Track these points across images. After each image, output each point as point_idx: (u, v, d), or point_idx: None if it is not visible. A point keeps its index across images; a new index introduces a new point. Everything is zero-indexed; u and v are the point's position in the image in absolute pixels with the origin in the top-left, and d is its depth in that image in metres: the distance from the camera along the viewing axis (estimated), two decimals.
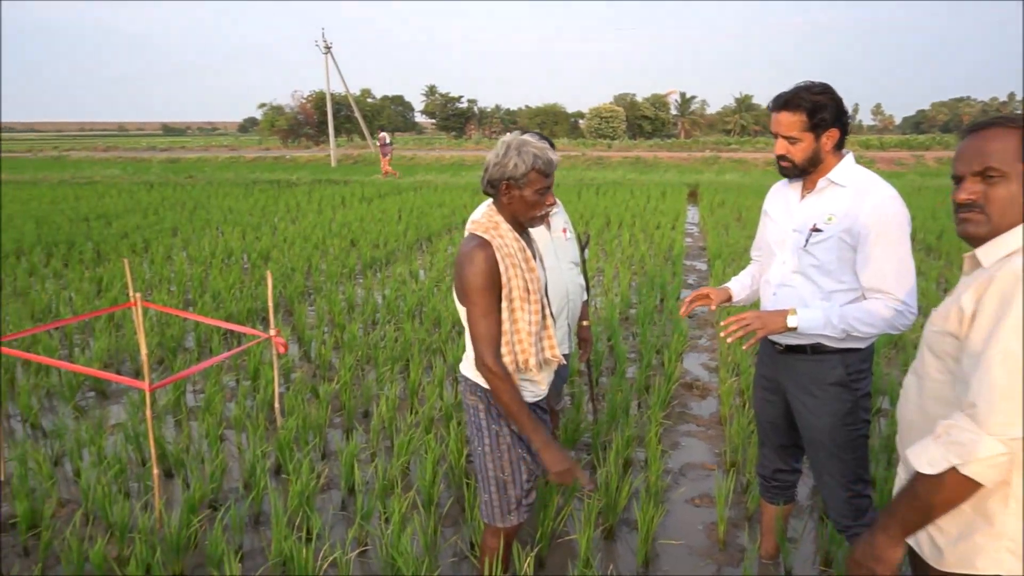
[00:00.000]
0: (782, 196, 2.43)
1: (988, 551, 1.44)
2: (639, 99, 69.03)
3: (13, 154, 46.70)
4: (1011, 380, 1.30)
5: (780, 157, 2.26)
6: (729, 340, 2.17)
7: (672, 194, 16.80)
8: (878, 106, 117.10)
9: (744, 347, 2.38)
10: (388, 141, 22.59)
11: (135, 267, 8.41)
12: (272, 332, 3.95)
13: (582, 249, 3.94)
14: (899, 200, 2.17)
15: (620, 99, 68.56)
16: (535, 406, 2.31)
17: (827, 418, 2.30)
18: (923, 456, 1.41)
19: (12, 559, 2.98)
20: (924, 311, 6.44)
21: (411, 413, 4.30)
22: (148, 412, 3.15)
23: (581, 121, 67.19)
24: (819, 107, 2.15)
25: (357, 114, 43.11)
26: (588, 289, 3.68)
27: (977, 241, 1.52)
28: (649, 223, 12.02)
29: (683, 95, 74.69)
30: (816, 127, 2.17)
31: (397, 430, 4.07)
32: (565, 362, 2.98)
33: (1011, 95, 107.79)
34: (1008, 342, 1.31)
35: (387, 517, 3.18)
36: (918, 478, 1.42)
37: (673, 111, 73.00)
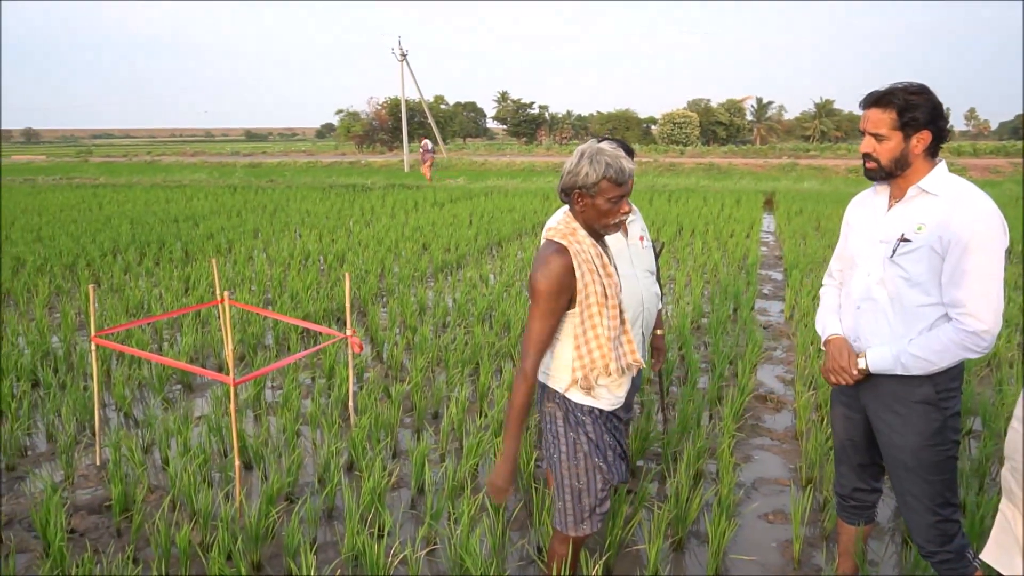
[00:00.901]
0: (868, 205, 2.34)
1: None
2: (714, 104, 67.71)
3: (111, 159, 49.71)
4: None
5: (865, 156, 2.19)
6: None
7: (747, 202, 16.40)
8: (972, 110, 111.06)
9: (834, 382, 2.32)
10: (431, 148, 23.07)
11: (220, 267, 8.79)
12: (348, 332, 4.06)
13: (657, 256, 3.90)
14: (997, 213, 2.05)
15: (694, 104, 67.43)
16: (612, 415, 2.29)
17: (913, 437, 2.19)
18: None
19: (107, 539, 3.16)
20: (1021, 328, 6.07)
21: (480, 416, 4.34)
22: (232, 406, 3.29)
23: (654, 127, 66.36)
24: (911, 106, 2.07)
25: (430, 120, 43.85)
26: (662, 297, 3.64)
27: None
28: (723, 231, 11.76)
29: (759, 100, 72.81)
30: (906, 126, 2.09)
31: (466, 432, 4.12)
32: (644, 367, 2.95)
33: None
34: None
35: (456, 518, 3.21)
36: None
37: (749, 116, 71.28)
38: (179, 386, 5.10)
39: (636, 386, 3.55)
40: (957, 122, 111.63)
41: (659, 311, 3.44)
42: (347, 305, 4.17)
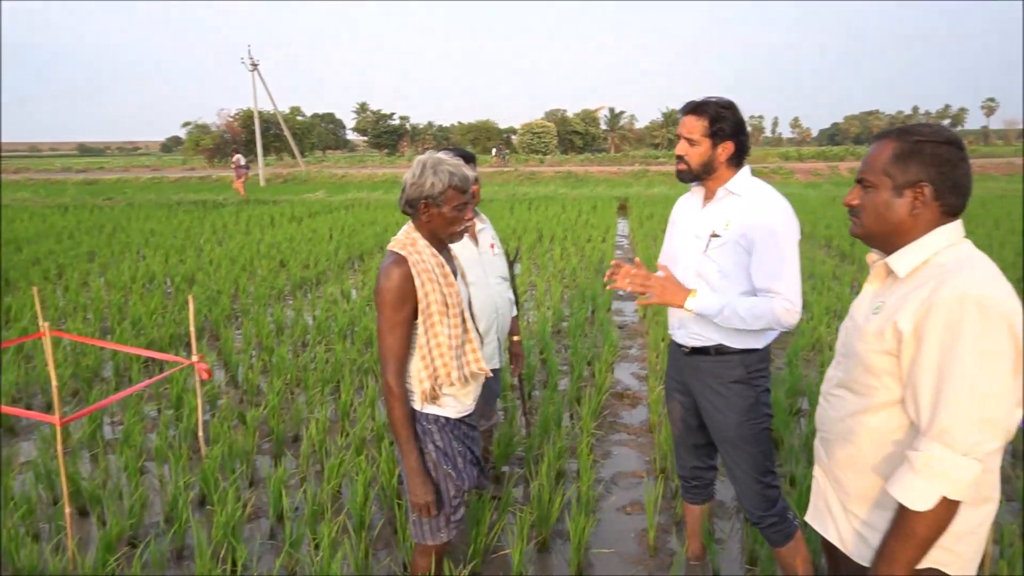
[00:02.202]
0: (687, 204, 2.59)
1: None
2: (570, 114, 70.21)
3: None
4: (978, 404, 1.38)
5: (679, 158, 2.42)
6: (631, 289, 2.31)
7: (603, 208, 17.13)
8: (796, 119, 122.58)
9: (637, 303, 2.46)
10: (244, 163, 21.98)
11: (47, 295, 8.00)
12: (195, 358, 3.83)
13: (511, 264, 3.98)
14: (789, 209, 2.34)
15: (551, 115, 69.63)
16: (461, 422, 2.31)
17: (732, 414, 2.44)
18: (911, 493, 1.42)
19: None
20: (840, 315, 6.75)
21: (342, 435, 4.23)
22: (59, 447, 3.00)
23: (513, 137, 67.79)
24: (720, 117, 2.32)
25: (286, 132, 42.33)
26: (519, 304, 3.72)
27: (865, 241, 1.63)
28: (580, 236, 12.21)
29: (612, 110, 76.36)
30: (715, 135, 2.33)
31: (328, 453, 4.00)
32: (492, 375, 3.00)
33: (915, 108, 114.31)
34: (968, 370, 1.37)
35: (317, 543, 3.11)
36: (911, 515, 1.43)
37: (603, 126, 74.52)
38: None
39: (496, 393, 3.61)
40: (784, 130, 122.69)
41: (514, 317, 3.51)
42: (192, 330, 3.93)
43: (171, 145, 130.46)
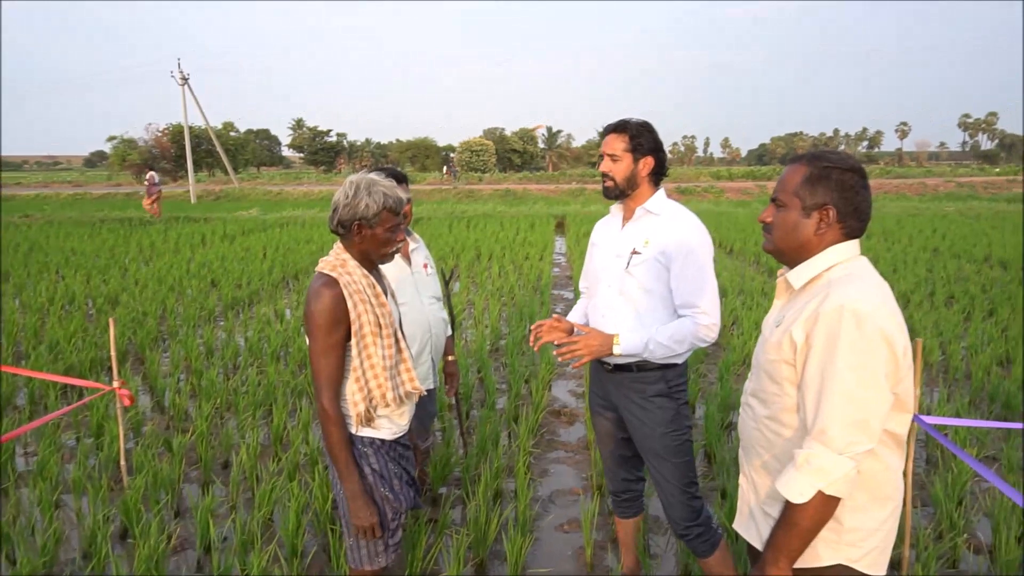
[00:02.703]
0: (607, 226, 2.70)
1: (831, 544, 1.62)
2: (508, 133, 70.79)
3: None
4: (852, 407, 1.50)
5: (604, 176, 2.53)
6: (561, 359, 2.41)
7: (540, 225, 17.29)
8: (726, 140, 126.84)
9: (572, 367, 2.54)
10: (157, 181, 21.33)
11: None
12: (116, 384, 3.67)
13: (446, 283, 3.98)
14: (703, 228, 2.49)
15: (489, 133, 70.04)
16: (396, 443, 2.29)
17: (657, 427, 2.52)
18: (793, 487, 1.54)
19: None
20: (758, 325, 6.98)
21: (274, 460, 4.12)
22: None
23: (452, 154, 67.88)
24: (639, 134, 2.47)
25: (219, 148, 41.24)
26: (453, 323, 3.71)
27: (775, 256, 1.75)
28: (518, 254, 12.29)
29: (549, 129, 77.42)
30: (635, 150, 2.46)
31: (259, 479, 3.88)
32: (426, 394, 2.98)
33: (836, 130, 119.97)
34: (844, 376, 1.50)
35: (247, 574, 3.01)
36: (794, 508, 1.55)
37: (541, 144, 75.40)
38: None
39: (432, 414, 3.58)
40: (715, 150, 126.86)
41: (449, 337, 3.50)
42: (113, 353, 3.77)
43: (95, 160, 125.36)
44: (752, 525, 1.80)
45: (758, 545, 1.77)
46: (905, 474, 3.00)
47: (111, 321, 3.87)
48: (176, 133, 52.66)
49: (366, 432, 2.18)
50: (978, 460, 4.09)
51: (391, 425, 2.23)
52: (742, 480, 1.87)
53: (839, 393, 1.50)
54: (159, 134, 56.84)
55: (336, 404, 2.11)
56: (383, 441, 2.22)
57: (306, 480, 3.82)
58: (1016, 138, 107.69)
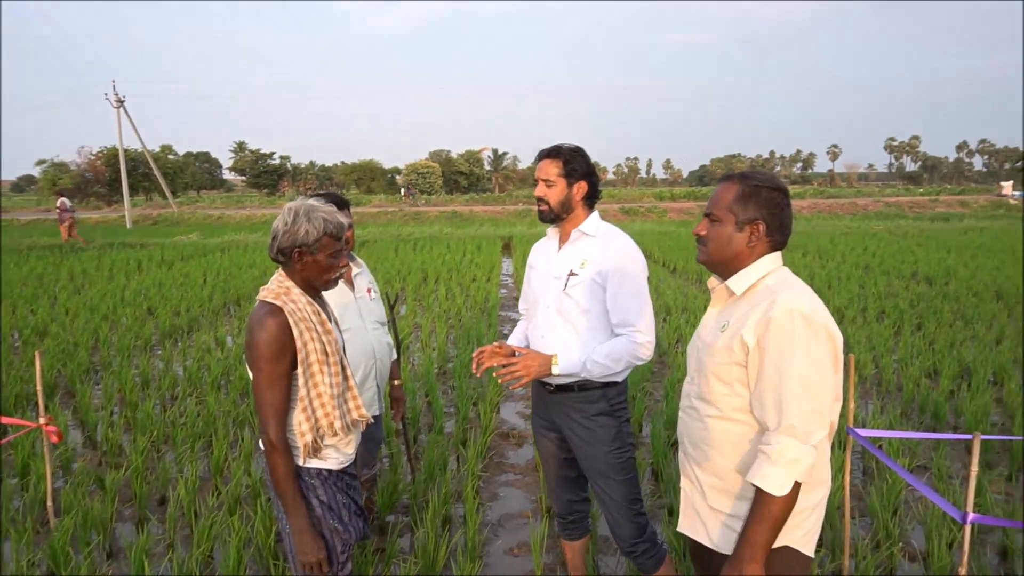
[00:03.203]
0: (543, 249, 2.74)
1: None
2: (454, 155, 71.03)
3: None
4: (811, 400, 1.64)
5: (539, 200, 2.58)
6: (501, 381, 2.42)
7: (487, 247, 17.34)
8: (668, 161, 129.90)
9: (512, 387, 2.56)
10: (68, 207, 20.70)
11: None
12: (42, 420, 3.50)
13: (391, 307, 3.94)
14: (637, 248, 2.56)
15: (436, 155, 70.16)
16: (343, 472, 2.24)
17: (600, 446, 2.55)
18: (772, 481, 1.62)
19: None
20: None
21: (214, 495, 3.98)
22: None
23: (398, 177, 67.66)
24: (572, 159, 2.53)
25: (156, 171, 40.11)
26: (399, 347, 3.68)
27: (709, 267, 1.88)
28: (465, 276, 12.28)
29: (495, 151, 77.98)
30: (569, 175, 2.52)
31: (197, 515, 3.74)
32: (373, 421, 2.93)
33: (772, 152, 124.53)
34: (802, 371, 1.63)
35: None
36: (770, 501, 1.63)
37: (487, 166, 75.86)
38: None
39: (378, 440, 3.53)
40: (658, 171, 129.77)
41: (395, 361, 3.47)
42: (39, 388, 3.59)
43: (23, 184, 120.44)
44: (700, 525, 1.88)
45: (707, 543, 1.85)
46: (843, 487, 3.09)
47: (37, 354, 3.69)
48: (111, 156, 51.11)
49: (313, 463, 2.13)
50: (910, 470, 4.25)
51: (338, 455, 2.19)
52: (684, 483, 1.95)
53: (799, 388, 1.63)
54: (92, 157, 55.09)
55: (283, 436, 2.05)
56: (330, 472, 2.17)
57: (248, 513, 3.70)
58: (937, 160, 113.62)
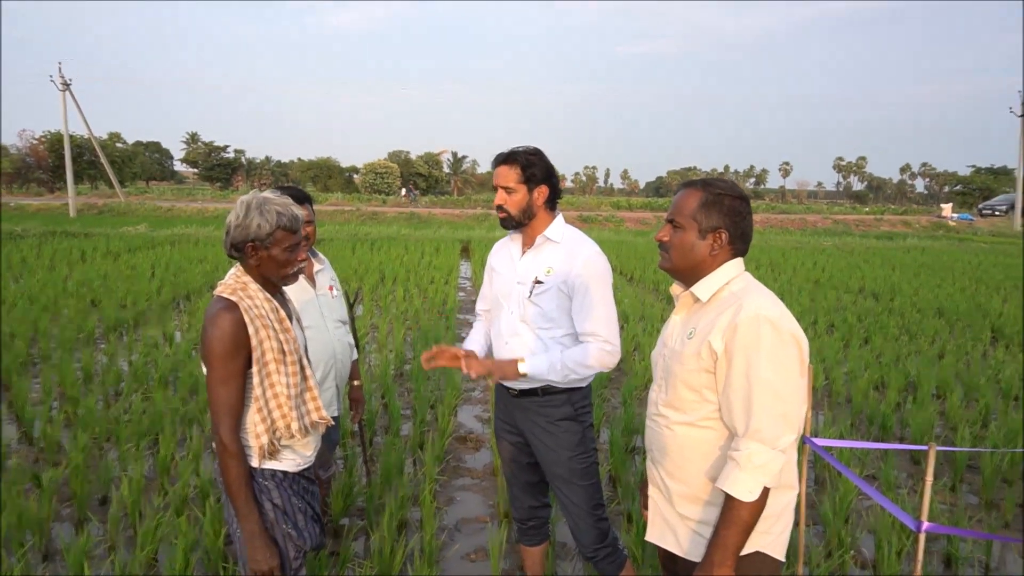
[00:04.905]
0: (506, 252, 2.68)
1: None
2: (413, 156, 70.56)
3: None
4: (779, 404, 1.64)
5: (499, 207, 2.52)
6: (473, 376, 2.40)
7: (446, 249, 17.25)
8: (626, 172, 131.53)
9: (489, 382, 2.52)
10: None
11: None
12: None
13: (351, 306, 3.86)
14: (603, 256, 2.52)
15: (394, 156, 69.58)
16: (300, 475, 2.17)
17: (564, 451, 2.53)
18: (741, 486, 1.63)
19: None
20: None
21: (160, 495, 3.83)
22: None
23: (356, 176, 66.91)
24: (530, 164, 2.47)
25: (103, 159, 38.74)
26: (359, 347, 3.60)
27: (671, 273, 1.88)
28: (423, 278, 12.18)
29: (455, 154, 77.75)
30: (528, 181, 2.46)
31: (142, 516, 3.59)
32: (334, 424, 2.85)
33: (726, 167, 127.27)
34: (769, 376, 1.64)
35: None
36: (739, 506, 1.63)
37: (446, 169, 75.58)
38: None
39: (335, 441, 3.44)
40: (616, 181, 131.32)
41: (354, 361, 3.39)
42: None
43: None
44: (668, 531, 1.87)
45: (676, 550, 1.84)
46: (800, 496, 3.14)
47: None
48: (55, 141, 49.28)
49: (268, 465, 2.05)
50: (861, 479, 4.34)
51: (295, 456, 2.11)
52: (653, 492, 1.94)
53: (767, 393, 1.63)
54: (35, 142, 53.09)
55: (236, 437, 1.97)
56: (286, 474, 2.09)
57: (196, 515, 3.57)
58: (882, 180, 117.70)
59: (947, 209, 42.61)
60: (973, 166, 64.90)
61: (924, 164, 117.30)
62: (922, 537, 2.32)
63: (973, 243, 27.88)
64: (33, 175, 53.13)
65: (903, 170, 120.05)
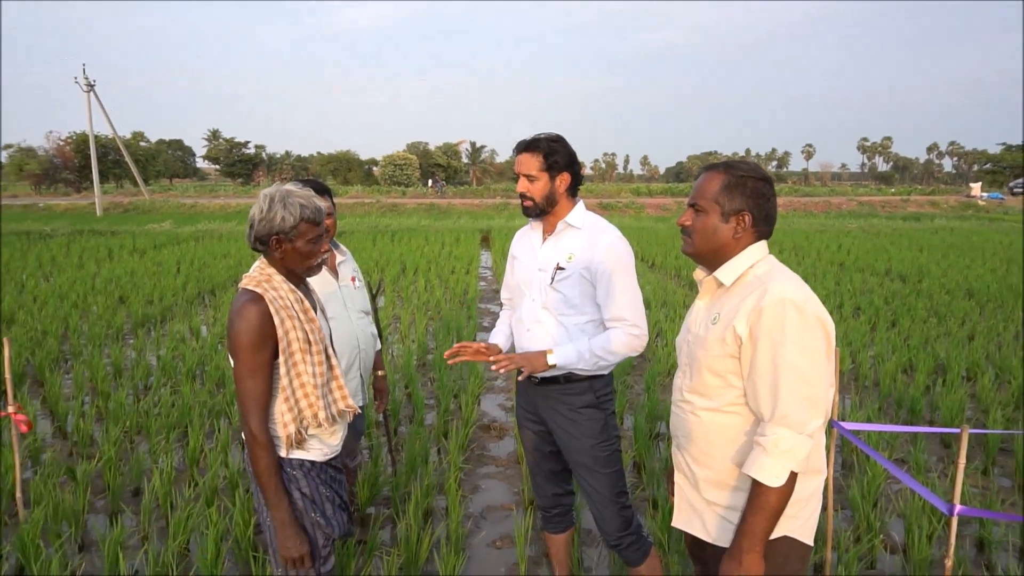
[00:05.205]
0: (527, 239, 2.66)
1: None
2: (432, 147, 70.62)
3: None
4: (805, 389, 1.62)
5: (522, 195, 2.50)
6: (501, 372, 2.39)
7: (466, 239, 17.27)
8: (645, 158, 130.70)
9: (520, 378, 2.52)
10: None
11: None
12: (11, 408, 3.39)
13: (374, 297, 3.88)
14: (625, 241, 2.50)
15: (413, 147, 69.66)
16: (328, 465, 2.19)
17: (586, 438, 2.51)
18: (768, 472, 1.61)
19: None
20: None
21: (190, 486, 3.90)
22: None
23: (375, 168, 67.14)
24: (553, 151, 2.44)
25: (127, 158, 39.29)
26: (382, 337, 3.62)
27: (694, 258, 1.85)
28: (444, 268, 12.21)
29: (473, 144, 77.71)
30: (551, 168, 2.44)
31: (173, 507, 3.66)
32: (361, 412, 2.87)
33: (748, 150, 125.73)
34: (795, 360, 1.61)
35: None
36: (767, 491, 1.62)
37: (464, 159, 75.57)
38: None
39: (360, 431, 3.47)
40: (635, 167, 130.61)
41: (378, 351, 3.41)
42: (7, 376, 3.48)
43: None
44: (696, 519, 1.86)
45: (704, 536, 1.83)
46: (827, 481, 3.10)
47: (5, 341, 3.58)
48: (80, 142, 50.09)
49: (296, 454, 2.07)
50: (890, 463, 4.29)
51: (322, 446, 2.13)
52: (678, 478, 1.93)
53: (793, 378, 1.61)
54: (61, 143, 53.99)
55: (265, 427, 1.99)
56: (313, 463, 2.11)
57: (225, 505, 3.63)
58: (908, 161, 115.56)
59: (976, 188, 41.74)
60: (1003, 144, 63.31)
61: (952, 143, 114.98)
62: (954, 521, 2.29)
63: (1004, 222, 27.31)
64: (60, 176, 54.06)
65: (930, 149, 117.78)
